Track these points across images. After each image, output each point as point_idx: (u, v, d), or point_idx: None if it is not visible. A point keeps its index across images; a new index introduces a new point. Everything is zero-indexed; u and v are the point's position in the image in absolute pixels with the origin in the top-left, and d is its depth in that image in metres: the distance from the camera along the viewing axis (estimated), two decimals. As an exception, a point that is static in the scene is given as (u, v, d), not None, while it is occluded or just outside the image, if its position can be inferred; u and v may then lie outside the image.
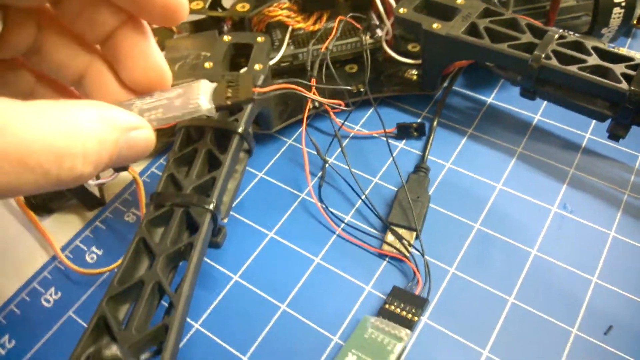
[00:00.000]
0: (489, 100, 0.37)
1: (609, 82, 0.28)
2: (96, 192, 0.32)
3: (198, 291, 0.29)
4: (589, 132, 0.35)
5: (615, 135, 0.29)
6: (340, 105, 0.32)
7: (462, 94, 0.38)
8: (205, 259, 0.30)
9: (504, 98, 0.37)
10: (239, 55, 0.33)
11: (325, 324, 0.28)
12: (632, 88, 0.28)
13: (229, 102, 0.23)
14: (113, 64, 0.23)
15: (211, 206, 0.24)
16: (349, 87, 0.36)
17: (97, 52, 0.23)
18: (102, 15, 0.21)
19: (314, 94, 0.34)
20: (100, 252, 0.31)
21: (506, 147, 0.34)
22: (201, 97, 0.22)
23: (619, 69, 0.29)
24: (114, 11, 0.21)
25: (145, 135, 0.20)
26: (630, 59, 0.29)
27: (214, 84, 0.24)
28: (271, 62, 0.35)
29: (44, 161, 0.16)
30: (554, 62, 0.29)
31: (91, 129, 0.17)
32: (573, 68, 0.29)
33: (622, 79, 0.28)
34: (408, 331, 0.26)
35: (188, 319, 0.28)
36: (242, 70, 0.31)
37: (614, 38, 0.38)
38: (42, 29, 0.22)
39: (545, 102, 0.37)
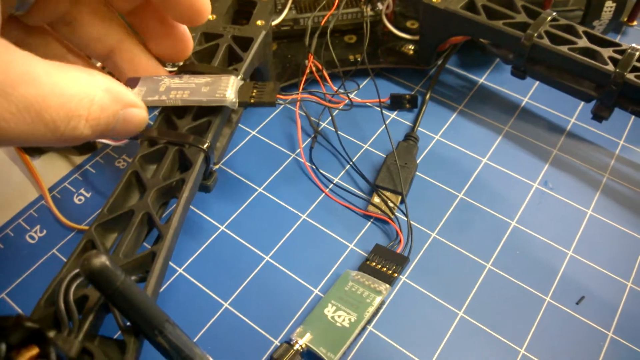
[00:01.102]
0: (481, 80, 0.38)
1: (596, 64, 0.29)
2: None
3: (184, 238, 0.30)
4: (575, 117, 0.36)
5: (598, 116, 0.31)
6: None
7: (455, 72, 0.39)
8: (193, 208, 0.31)
9: (495, 79, 0.38)
10: (242, 14, 0.33)
11: (307, 276, 0.28)
12: (617, 70, 0.29)
13: (252, 101, 0.26)
14: (141, 33, 0.25)
15: (205, 146, 0.25)
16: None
17: (127, 30, 0.25)
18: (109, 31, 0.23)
19: (311, 61, 0.35)
20: (88, 195, 0.32)
21: (494, 125, 0.35)
22: (229, 90, 0.25)
23: (606, 52, 0.30)
24: (119, 28, 0.24)
25: (141, 114, 0.22)
26: (618, 44, 0.30)
27: (241, 81, 0.26)
28: (273, 24, 0.36)
29: (56, 117, 0.17)
30: (545, 41, 0.30)
31: (97, 96, 0.19)
32: (563, 48, 0.30)
33: (609, 61, 0.29)
34: (387, 286, 0.27)
35: (172, 264, 0.29)
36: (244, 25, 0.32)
37: (604, 32, 0.39)
38: (77, 3, 0.23)
39: (534, 86, 0.38)
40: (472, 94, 0.37)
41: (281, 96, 0.34)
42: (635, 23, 0.42)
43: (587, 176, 0.33)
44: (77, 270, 0.21)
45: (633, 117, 0.35)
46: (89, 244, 0.22)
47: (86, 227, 0.29)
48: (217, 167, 0.28)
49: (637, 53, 0.29)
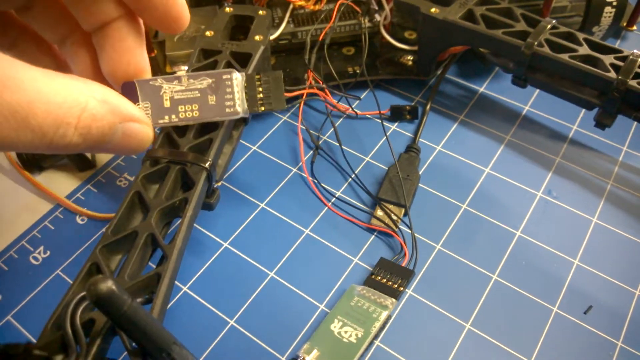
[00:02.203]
0: (481, 89, 0.38)
1: (597, 71, 0.29)
2: (88, 155, 0.32)
3: (188, 256, 0.29)
4: (576, 124, 0.36)
5: (601, 123, 0.30)
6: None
7: (455, 82, 0.39)
8: (197, 226, 0.31)
9: (495, 88, 0.38)
10: (239, 29, 0.34)
11: (312, 292, 0.28)
12: (619, 77, 0.29)
13: (262, 109, 0.25)
14: (97, 49, 0.23)
15: (207, 164, 0.25)
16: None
17: (80, 29, 0.23)
18: (104, 4, 0.21)
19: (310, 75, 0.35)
20: (91, 213, 0.31)
21: (495, 134, 0.35)
22: (237, 102, 0.24)
23: (608, 59, 0.30)
24: (117, 4, 0.22)
25: (144, 130, 0.21)
26: (619, 50, 0.30)
27: (244, 76, 0.25)
28: (271, 38, 0.36)
29: (43, 124, 0.17)
30: (545, 49, 0.30)
31: (90, 104, 0.18)
32: (564, 56, 0.30)
33: (610, 68, 0.29)
34: (394, 300, 0.27)
35: (177, 282, 0.29)
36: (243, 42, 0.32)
37: (604, 37, 0.39)
38: None
39: (535, 94, 0.38)
40: (472, 103, 0.37)
41: (287, 94, 0.33)
42: (634, 28, 0.42)
43: (591, 184, 0.33)
44: (83, 294, 0.21)
45: (635, 123, 0.35)
46: (94, 267, 0.22)
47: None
48: (219, 184, 0.28)
49: (639, 59, 0.29)
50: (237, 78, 0.25)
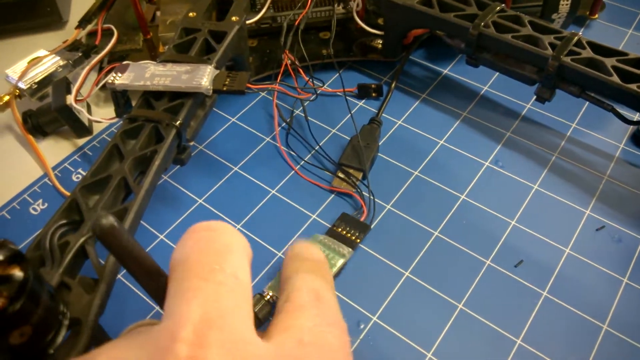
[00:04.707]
0: (445, 71, 0.41)
1: (534, 48, 0.32)
2: (85, 122, 0.36)
3: (166, 210, 0.33)
4: (530, 103, 0.39)
5: (541, 97, 0.33)
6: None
7: (421, 64, 0.42)
8: (174, 183, 0.35)
9: (458, 70, 0.41)
10: (225, 12, 0.37)
11: (275, 242, 0.32)
12: (554, 54, 0.31)
13: (224, 88, 0.30)
14: None
15: (177, 123, 0.28)
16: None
17: None
18: None
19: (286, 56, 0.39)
20: (85, 173, 0.36)
21: (453, 110, 0.38)
22: (205, 78, 0.30)
23: (547, 38, 0.33)
24: None
25: None
26: (559, 31, 0.33)
27: (216, 70, 0.31)
28: (251, 21, 0.39)
29: None
30: (491, 30, 0.33)
31: None
32: (507, 36, 0.33)
33: (548, 47, 0.32)
34: (350, 249, 0.30)
35: (154, 230, 0.32)
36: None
37: (564, 24, 0.42)
38: None
39: (495, 76, 0.40)
40: (435, 83, 0.40)
41: (254, 85, 0.37)
42: (596, 16, 0.44)
43: (537, 155, 0.36)
44: (61, 222, 0.25)
45: (587, 103, 0.37)
46: (74, 203, 0.26)
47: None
48: (192, 143, 0.32)
49: (575, 38, 0.32)
50: (210, 67, 0.30)
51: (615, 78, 0.30)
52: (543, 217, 0.32)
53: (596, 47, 0.33)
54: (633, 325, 0.28)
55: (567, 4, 0.40)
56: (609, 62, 0.31)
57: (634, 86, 0.30)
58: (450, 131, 0.37)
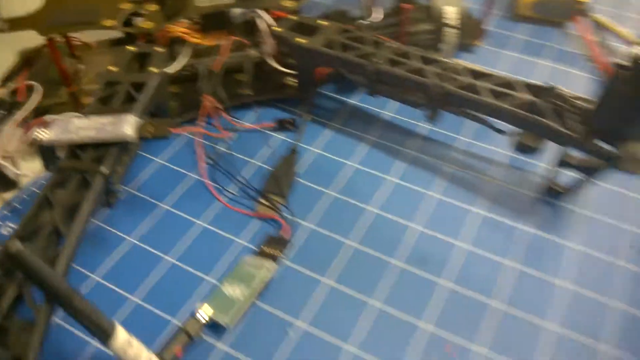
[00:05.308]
0: (353, 102, 0.46)
1: (420, 78, 0.37)
2: (12, 176, 0.38)
3: (97, 251, 0.35)
4: (424, 122, 0.44)
5: (429, 117, 0.38)
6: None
7: (332, 97, 0.46)
8: (105, 226, 0.37)
9: (364, 100, 0.46)
10: (145, 63, 0.40)
11: (204, 268, 0.34)
12: (436, 82, 0.36)
13: (149, 136, 0.33)
14: None
15: (102, 169, 0.31)
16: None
17: None
18: None
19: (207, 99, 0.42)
20: (15, 227, 0.37)
21: (361, 135, 0.43)
22: (128, 128, 0.32)
23: (432, 69, 0.38)
24: None
25: None
26: (444, 61, 0.38)
27: (138, 119, 0.34)
28: (174, 70, 0.42)
29: None
30: (385, 66, 0.38)
31: None
32: (399, 70, 0.38)
33: (433, 76, 0.37)
34: (275, 265, 0.34)
35: (87, 272, 0.34)
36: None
37: (453, 52, 0.47)
38: None
39: (396, 103, 0.45)
40: (345, 113, 0.45)
41: (177, 130, 0.40)
42: (480, 43, 0.50)
43: (429, 165, 0.41)
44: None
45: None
46: (7, 253, 0.27)
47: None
48: (118, 187, 0.34)
49: (457, 66, 0.37)
50: (132, 117, 0.33)
51: (490, 98, 0.36)
52: (438, 218, 0.37)
53: (474, 72, 0.38)
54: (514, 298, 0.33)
55: (453, 35, 0.46)
56: (484, 84, 0.37)
57: (506, 104, 0.35)
58: (362, 154, 0.41)
